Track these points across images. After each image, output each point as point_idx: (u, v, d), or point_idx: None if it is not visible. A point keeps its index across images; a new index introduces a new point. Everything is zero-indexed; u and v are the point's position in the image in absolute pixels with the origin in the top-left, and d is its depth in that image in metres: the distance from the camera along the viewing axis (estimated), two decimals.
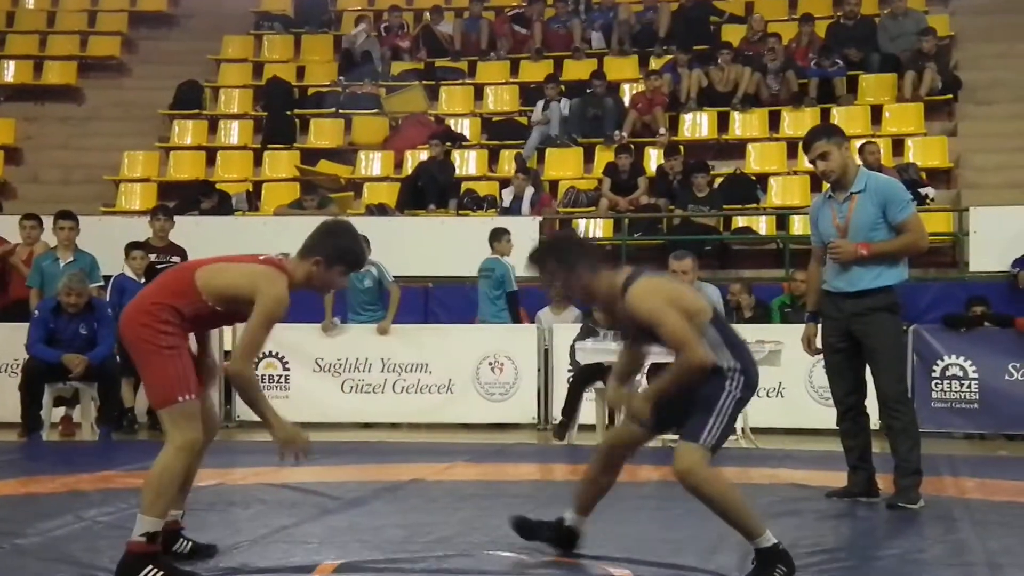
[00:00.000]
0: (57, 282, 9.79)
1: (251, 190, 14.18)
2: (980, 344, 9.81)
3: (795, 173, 13.32)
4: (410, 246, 11.77)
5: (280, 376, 10.68)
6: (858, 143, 12.95)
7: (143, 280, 10.20)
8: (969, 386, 9.76)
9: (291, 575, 4.48)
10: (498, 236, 10.72)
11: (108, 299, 10.17)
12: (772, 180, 13.23)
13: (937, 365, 9.83)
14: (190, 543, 4.72)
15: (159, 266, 10.13)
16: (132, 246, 10.53)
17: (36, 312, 9.67)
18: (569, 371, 9.89)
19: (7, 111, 16.02)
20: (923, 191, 12.49)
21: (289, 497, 6.39)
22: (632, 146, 13.66)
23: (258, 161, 14.74)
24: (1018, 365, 9.64)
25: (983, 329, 9.87)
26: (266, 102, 15.40)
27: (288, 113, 15.14)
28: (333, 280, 4.60)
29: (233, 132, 15.30)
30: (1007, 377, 9.68)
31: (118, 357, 9.46)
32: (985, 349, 9.79)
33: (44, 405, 9.38)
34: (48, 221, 10.63)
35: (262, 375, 10.62)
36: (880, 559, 4.91)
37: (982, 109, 14.03)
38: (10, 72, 16.51)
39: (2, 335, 10.40)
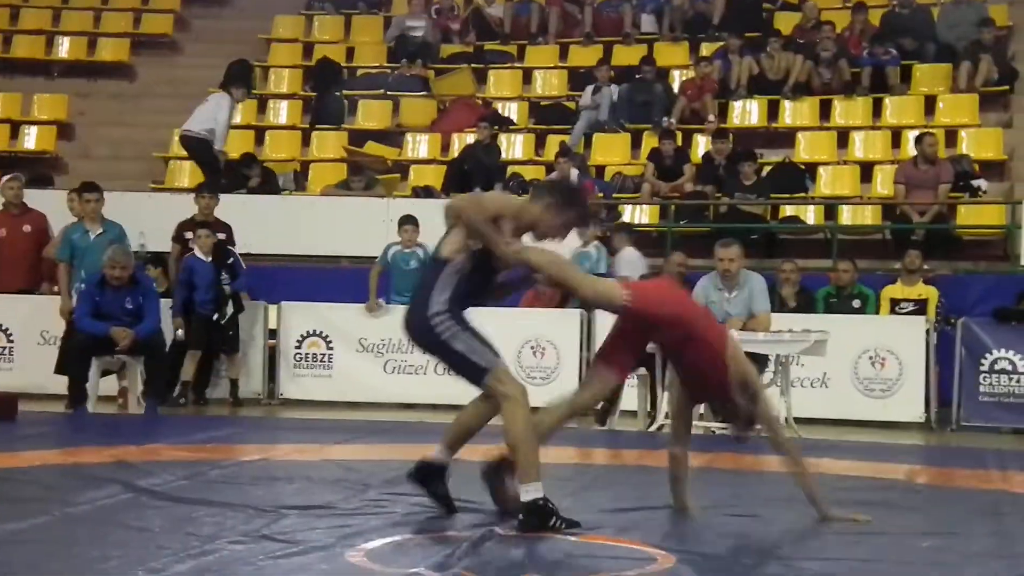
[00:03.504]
0: (90, 255, 9.86)
1: (298, 170, 14.24)
2: None
3: (845, 163, 13.18)
4: None
5: (324, 355, 10.72)
6: (912, 133, 12.87)
7: (210, 259, 10.31)
8: (1018, 380, 9.63)
9: (338, 549, 4.50)
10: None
11: (179, 278, 10.31)
12: (821, 169, 13.11)
13: (986, 359, 9.71)
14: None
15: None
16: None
17: (82, 285, 9.76)
18: None
19: (60, 87, 16.19)
20: (976, 183, 12.34)
21: (332, 475, 6.42)
22: (677, 132, 13.58)
23: (306, 141, 14.80)
24: None
25: None
26: (315, 83, 15.45)
27: (337, 94, 15.18)
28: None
29: (282, 112, 15.36)
30: None
31: (181, 332, 9.54)
32: None
33: (91, 377, 9.48)
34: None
35: (305, 354, 10.71)
36: (929, 551, 4.86)
37: None
38: (64, 48, 16.68)
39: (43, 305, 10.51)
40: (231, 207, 11.22)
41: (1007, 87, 13.69)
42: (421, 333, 4.87)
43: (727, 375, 5.05)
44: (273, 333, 10.72)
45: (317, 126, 14.88)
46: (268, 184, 13.21)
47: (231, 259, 10.48)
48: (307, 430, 8.84)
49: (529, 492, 4.73)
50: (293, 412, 10.03)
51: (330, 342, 10.74)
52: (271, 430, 9.12)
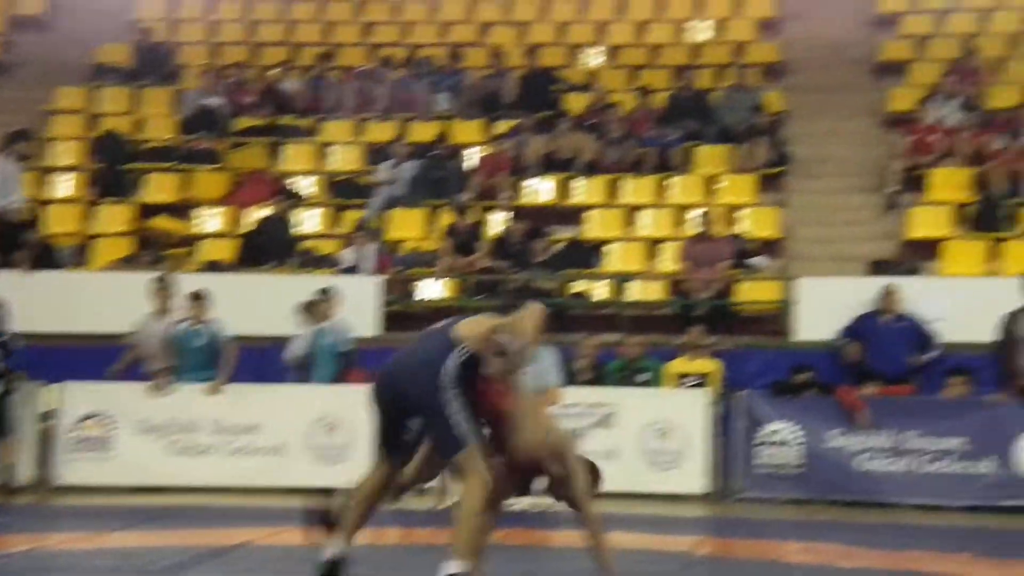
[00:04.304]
0: None
1: (81, 244, 13.76)
2: (804, 411, 10.12)
3: (632, 240, 13.60)
4: (248, 304, 11.57)
5: (104, 437, 10.33)
6: (695, 212, 13.40)
7: None
8: (794, 452, 10.03)
9: None
10: (313, 304, 10.69)
11: None
12: (610, 246, 13.49)
13: (764, 430, 10.09)
14: None
15: None
16: None
17: None
18: None
19: None
20: (754, 260, 12.90)
21: (108, 564, 6.16)
22: (472, 208, 13.77)
23: (91, 215, 14.33)
24: (839, 432, 9.97)
25: (808, 396, 10.19)
26: (101, 155, 15.03)
27: (123, 167, 14.82)
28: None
29: (65, 184, 14.85)
30: (829, 443, 9.99)
31: None
32: (809, 416, 10.10)
33: None
34: None
35: (83, 436, 10.29)
36: None
37: (811, 183, 14.59)
38: None
39: None
40: (6, 283, 10.75)
41: (782, 169, 14.42)
42: (425, 388, 5.03)
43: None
44: (48, 415, 10.26)
45: (103, 199, 14.46)
46: (47, 259, 12.69)
47: (4, 337, 10.03)
48: (83, 516, 8.46)
49: (457, 566, 4.92)
50: (69, 499, 9.59)
51: (112, 424, 10.34)
52: (44, 518, 8.69)
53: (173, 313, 10.67)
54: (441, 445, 5.05)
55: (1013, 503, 9.76)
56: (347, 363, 10.73)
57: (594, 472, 5.39)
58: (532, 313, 5.23)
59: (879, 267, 12.39)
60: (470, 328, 5.19)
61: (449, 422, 4.99)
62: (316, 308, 10.74)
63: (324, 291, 10.91)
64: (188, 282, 11.33)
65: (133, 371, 10.67)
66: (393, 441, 5.25)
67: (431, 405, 5.01)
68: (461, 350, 5.10)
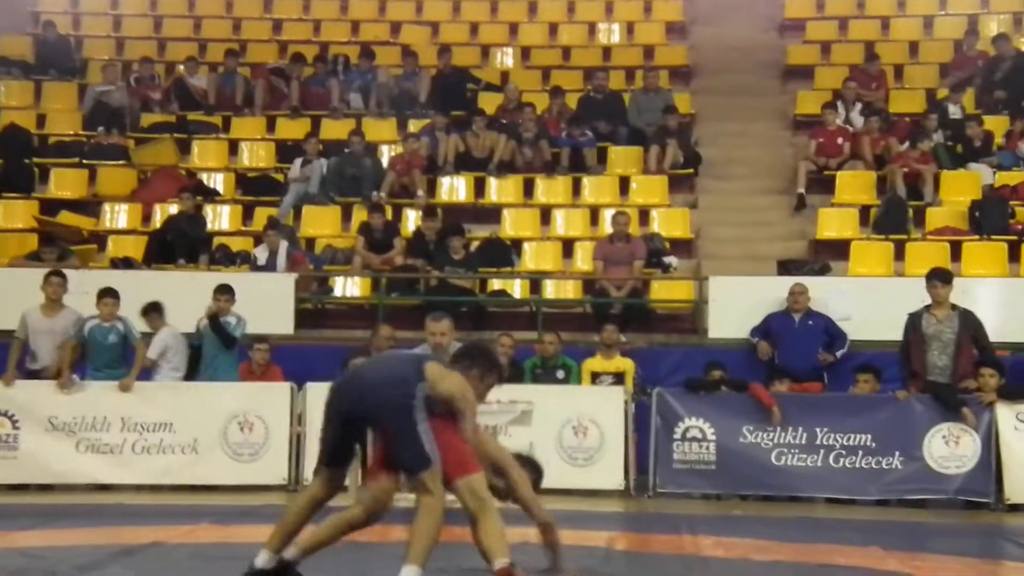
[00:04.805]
0: None
1: None
2: (718, 407, 10.24)
3: (548, 239, 13.66)
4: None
5: (9, 436, 10.06)
6: (608, 212, 13.50)
7: None
8: (708, 447, 10.15)
9: None
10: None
11: None
12: (526, 245, 13.53)
13: (679, 427, 10.19)
14: None
15: None
16: None
17: None
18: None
19: None
20: (667, 260, 13.05)
21: (16, 563, 5.99)
22: (387, 206, 13.70)
23: None
24: (752, 428, 10.11)
25: (721, 393, 10.33)
26: (2, 149, 14.63)
27: (26, 161, 14.45)
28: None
29: None
30: (742, 439, 10.12)
31: None
32: (722, 412, 10.22)
33: None
34: None
35: None
36: None
37: (720, 184, 14.80)
38: None
39: None
40: None
41: (692, 170, 14.60)
42: (394, 405, 5.15)
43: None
44: None
45: (4, 194, 14.08)
46: None
47: None
48: None
49: (415, 572, 5.08)
50: None
51: (16, 422, 10.08)
52: None
53: (64, 309, 10.41)
54: (408, 460, 5.16)
55: (919, 496, 10.00)
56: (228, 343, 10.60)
57: (536, 470, 5.69)
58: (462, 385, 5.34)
59: (789, 267, 12.60)
60: (437, 377, 5.28)
61: (421, 440, 5.12)
62: (157, 314, 10.69)
63: (223, 288, 10.74)
64: (97, 279, 11.09)
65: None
66: (341, 453, 5.33)
67: (402, 422, 5.13)
68: (422, 386, 5.23)
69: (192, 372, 10.71)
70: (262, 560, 5.30)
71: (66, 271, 10.86)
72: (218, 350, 10.59)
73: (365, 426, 5.28)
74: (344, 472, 5.44)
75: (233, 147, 15.16)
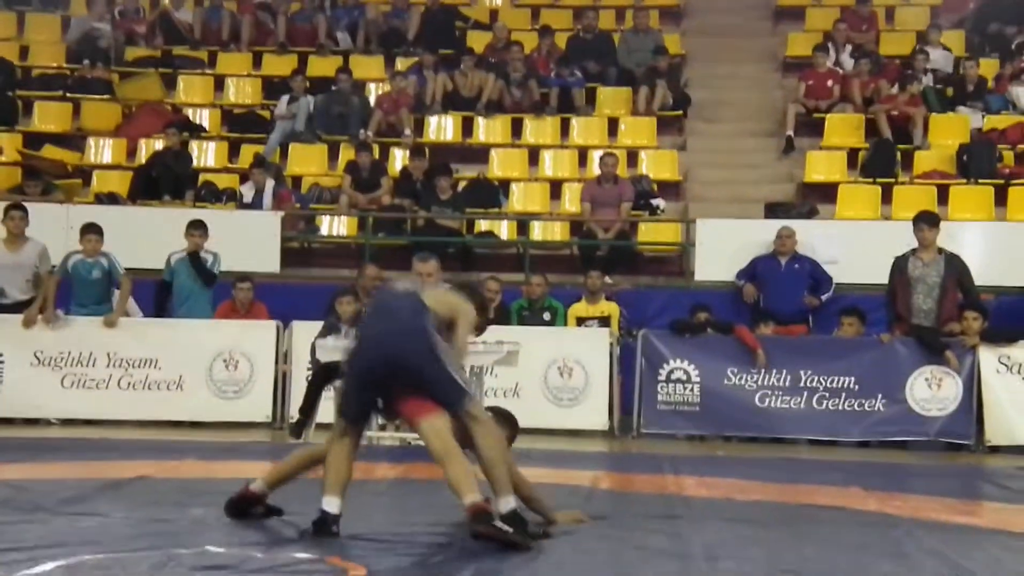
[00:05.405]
0: None
1: None
2: (703, 349, 10.28)
3: (536, 180, 13.61)
4: (144, 237, 11.32)
5: None
6: (597, 153, 13.45)
7: None
8: (692, 389, 10.21)
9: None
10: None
11: None
12: (514, 186, 13.48)
13: (664, 369, 10.24)
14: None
15: None
16: None
17: None
18: (308, 369, 9.73)
19: None
20: (655, 202, 13.02)
21: (1, 495, 6.00)
22: (374, 145, 13.62)
23: None
24: (736, 370, 10.16)
25: (706, 335, 10.36)
26: None
27: (9, 93, 14.29)
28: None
29: None
30: (726, 381, 10.18)
31: None
32: (707, 354, 10.27)
33: None
34: None
35: None
36: (608, 551, 5.06)
37: (709, 126, 14.73)
38: None
39: None
40: None
41: (681, 112, 14.53)
42: (419, 349, 5.20)
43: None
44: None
45: None
46: None
47: None
48: None
49: (509, 503, 5.16)
50: None
51: (1, 356, 10.05)
52: None
53: (28, 242, 10.31)
54: (449, 397, 5.22)
55: (901, 438, 10.08)
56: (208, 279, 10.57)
57: (513, 425, 5.66)
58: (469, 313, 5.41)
59: (776, 210, 12.60)
60: (436, 302, 5.36)
61: (453, 375, 5.21)
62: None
63: (196, 223, 10.67)
64: (82, 214, 11.03)
65: None
66: (365, 410, 5.39)
67: (431, 364, 5.19)
68: (429, 318, 5.27)
69: (162, 308, 10.65)
70: (334, 506, 5.26)
71: (51, 205, 10.79)
72: (194, 286, 10.54)
73: (396, 384, 5.25)
74: (361, 430, 5.46)
75: (219, 83, 15.02)
